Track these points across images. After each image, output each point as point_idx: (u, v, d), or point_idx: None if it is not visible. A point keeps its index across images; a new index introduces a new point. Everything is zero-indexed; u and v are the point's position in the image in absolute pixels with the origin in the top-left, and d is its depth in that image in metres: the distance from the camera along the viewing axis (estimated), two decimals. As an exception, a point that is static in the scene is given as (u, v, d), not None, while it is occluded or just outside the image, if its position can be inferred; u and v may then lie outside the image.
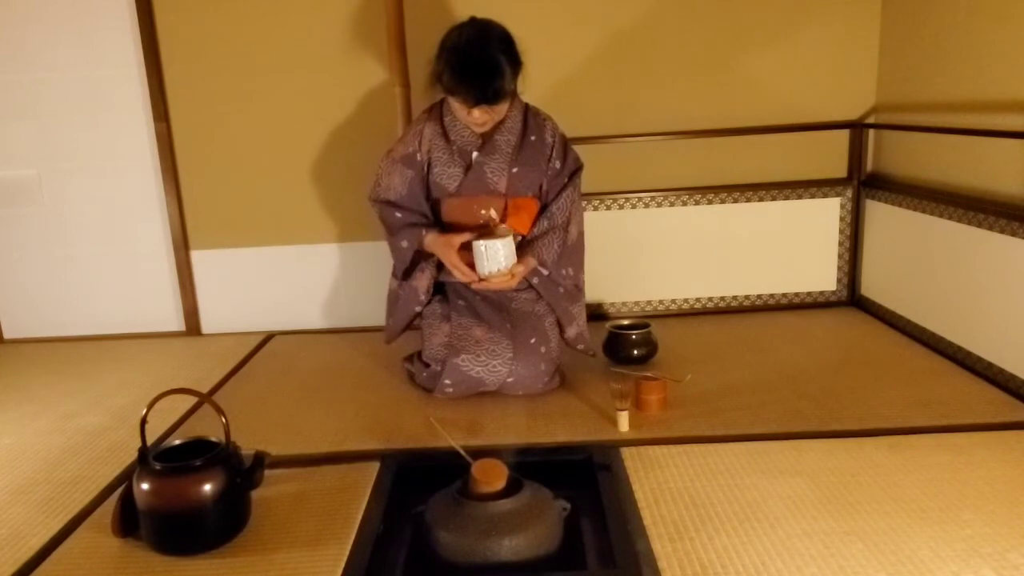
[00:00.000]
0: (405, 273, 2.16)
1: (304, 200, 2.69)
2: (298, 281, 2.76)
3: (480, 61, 1.91)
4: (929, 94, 2.32)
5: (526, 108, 2.15)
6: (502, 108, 2.02)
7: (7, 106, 2.64)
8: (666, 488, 1.53)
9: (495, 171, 2.10)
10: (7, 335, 2.84)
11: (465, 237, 2.00)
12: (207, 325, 2.80)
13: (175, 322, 2.81)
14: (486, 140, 2.10)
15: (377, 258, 2.69)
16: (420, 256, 2.13)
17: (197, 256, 2.75)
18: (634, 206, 2.64)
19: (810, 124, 2.60)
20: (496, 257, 1.93)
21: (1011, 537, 1.32)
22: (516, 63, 1.97)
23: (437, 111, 2.14)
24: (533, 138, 2.13)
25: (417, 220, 2.12)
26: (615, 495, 1.49)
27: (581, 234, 2.20)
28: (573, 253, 2.17)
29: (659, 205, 2.64)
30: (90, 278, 2.78)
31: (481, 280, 1.97)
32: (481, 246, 1.93)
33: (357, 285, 2.74)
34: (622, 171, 2.63)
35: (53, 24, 2.57)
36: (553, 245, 2.11)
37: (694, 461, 1.63)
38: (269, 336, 2.70)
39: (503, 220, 2.10)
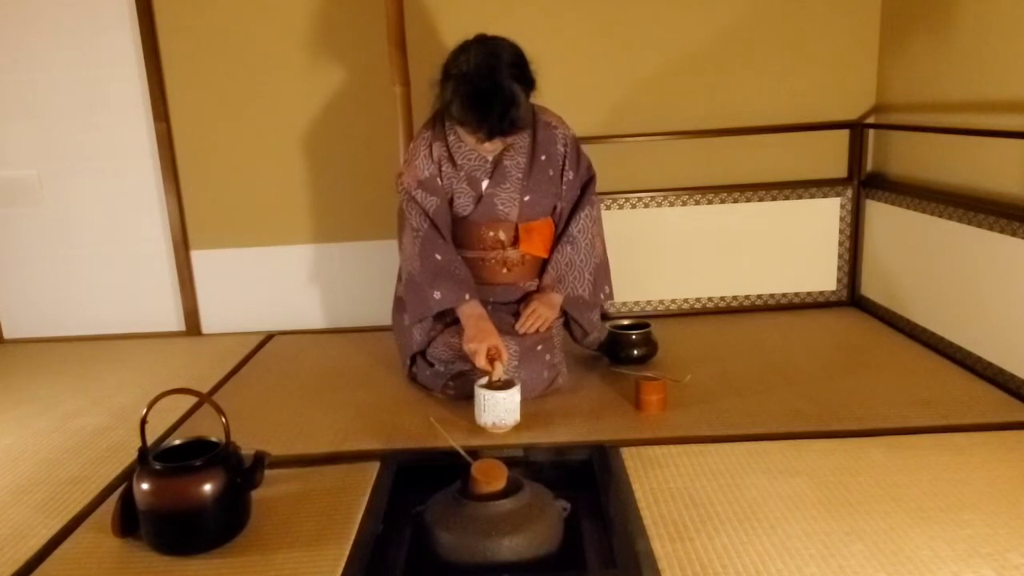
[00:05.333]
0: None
1: (304, 200, 2.69)
2: (298, 281, 2.76)
3: (493, 92, 1.77)
4: (929, 94, 2.32)
5: (534, 118, 2.02)
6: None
7: (7, 106, 2.64)
8: (666, 488, 1.53)
9: (506, 201, 2.02)
10: (7, 335, 2.84)
11: (494, 341, 1.86)
12: (207, 325, 2.80)
13: (175, 322, 2.81)
14: (495, 166, 2.00)
15: (377, 258, 2.69)
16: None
17: (197, 256, 2.74)
18: (634, 206, 2.64)
19: (810, 124, 2.60)
20: (495, 410, 1.78)
21: (1011, 537, 1.32)
22: (530, 86, 1.85)
23: (440, 130, 2.00)
24: (544, 157, 2.02)
25: (457, 271, 1.97)
26: (615, 495, 1.49)
27: (604, 244, 2.15)
28: (603, 269, 2.13)
29: (659, 205, 2.64)
30: (90, 278, 2.78)
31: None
32: (481, 395, 1.79)
33: (357, 285, 2.74)
34: (622, 171, 2.63)
35: (53, 24, 2.57)
36: (584, 275, 2.05)
37: (694, 461, 1.63)
38: (269, 336, 2.70)
39: (514, 245, 2.05)
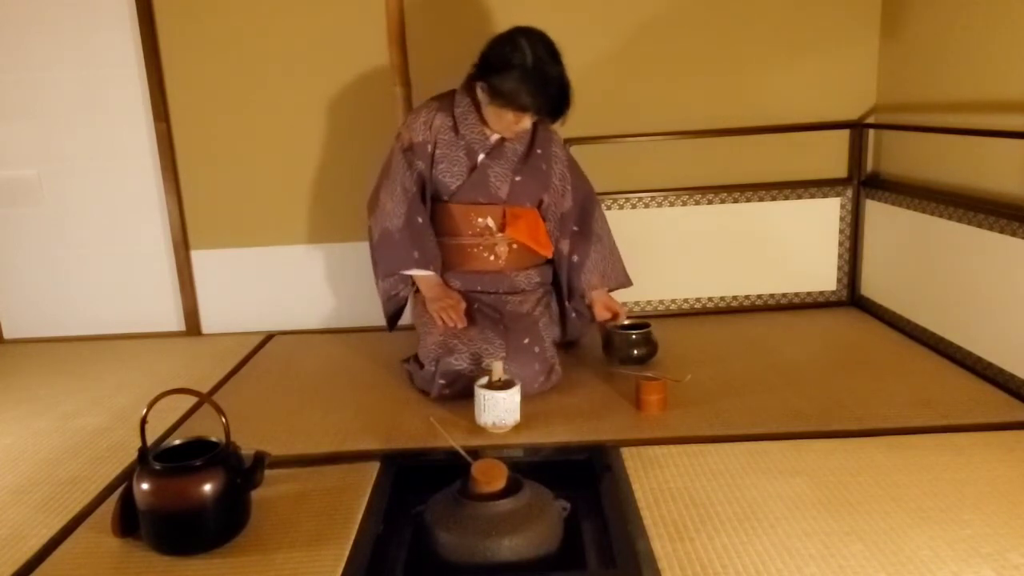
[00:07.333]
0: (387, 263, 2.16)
1: (304, 200, 2.69)
2: (298, 281, 2.76)
3: (557, 79, 1.96)
4: (929, 94, 2.32)
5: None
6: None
7: (7, 106, 2.64)
8: (666, 488, 1.53)
9: (499, 176, 2.12)
10: (7, 335, 2.84)
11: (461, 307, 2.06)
12: (207, 325, 2.80)
13: (175, 322, 2.81)
14: (496, 144, 2.13)
15: (377, 258, 2.69)
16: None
17: (197, 256, 2.74)
18: (634, 206, 2.64)
19: (810, 124, 2.60)
20: (495, 409, 1.78)
21: (1011, 537, 1.32)
22: None
23: (448, 103, 2.13)
24: (539, 151, 2.18)
25: (431, 242, 2.11)
26: (615, 495, 1.49)
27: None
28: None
29: (659, 205, 2.64)
30: (90, 278, 2.78)
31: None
32: (481, 395, 1.79)
33: (357, 285, 2.74)
34: (622, 171, 2.63)
35: (53, 24, 2.57)
36: (617, 264, 2.28)
37: (694, 461, 1.63)
38: (269, 336, 2.70)
39: (502, 229, 2.12)
